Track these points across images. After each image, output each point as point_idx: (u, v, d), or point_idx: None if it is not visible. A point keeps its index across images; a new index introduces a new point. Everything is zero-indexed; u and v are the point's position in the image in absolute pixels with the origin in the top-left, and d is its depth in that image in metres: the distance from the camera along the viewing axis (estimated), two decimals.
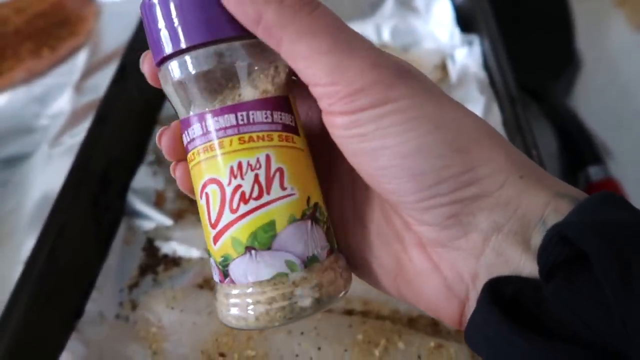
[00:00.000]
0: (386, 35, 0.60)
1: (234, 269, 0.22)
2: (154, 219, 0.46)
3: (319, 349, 0.35)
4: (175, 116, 0.24)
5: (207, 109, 0.22)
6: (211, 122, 0.22)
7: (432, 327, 0.37)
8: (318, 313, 0.23)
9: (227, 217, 0.22)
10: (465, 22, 0.58)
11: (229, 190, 0.22)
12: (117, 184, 0.48)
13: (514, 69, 0.50)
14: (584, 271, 0.19)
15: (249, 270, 0.22)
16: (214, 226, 0.22)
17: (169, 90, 0.23)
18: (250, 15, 0.20)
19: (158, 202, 0.47)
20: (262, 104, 0.22)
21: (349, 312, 0.39)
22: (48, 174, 0.53)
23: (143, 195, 0.47)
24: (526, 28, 0.62)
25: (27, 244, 0.47)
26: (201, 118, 0.22)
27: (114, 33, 0.66)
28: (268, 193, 0.22)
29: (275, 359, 0.36)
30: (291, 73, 0.23)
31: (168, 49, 0.22)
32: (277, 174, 0.22)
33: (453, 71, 0.55)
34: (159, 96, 0.55)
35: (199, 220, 0.45)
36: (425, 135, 0.21)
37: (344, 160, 0.23)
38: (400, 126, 0.20)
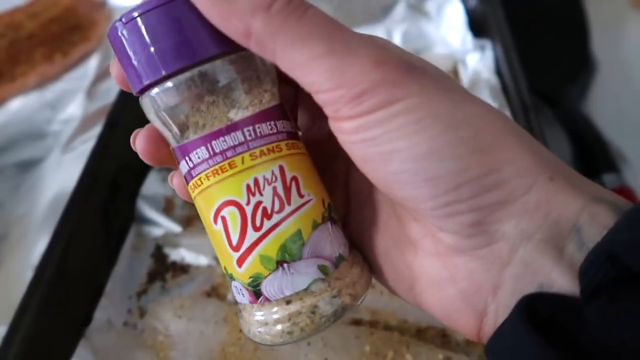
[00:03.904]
0: (397, 40, 0.60)
1: (268, 287, 0.21)
2: (162, 225, 0.46)
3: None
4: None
5: (207, 132, 0.21)
6: (217, 143, 0.21)
7: (441, 338, 0.37)
8: (357, 308, 0.23)
9: (251, 236, 0.21)
10: (478, 26, 0.57)
11: (249, 209, 0.21)
12: (126, 189, 0.48)
13: (527, 72, 0.49)
14: (633, 292, 0.17)
15: (285, 284, 0.21)
16: (236, 249, 0.21)
17: (154, 119, 0.22)
18: (240, 29, 0.19)
19: (167, 208, 0.47)
20: (265, 115, 0.21)
21: (357, 322, 0.38)
22: (59, 180, 0.53)
23: (152, 201, 0.48)
24: (540, 31, 0.60)
25: (39, 249, 0.47)
26: (204, 141, 0.21)
27: None
28: (289, 204, 0.21)
29: None
30: (279, 80, 0.23)
31: (147, 78, 0.20)
32: (293, 183, 0.21)
33: (465, 77, 0.54)
34: None
35: None
36: (439, 136, 0.19)
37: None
38: (411, 127, 0.19)
